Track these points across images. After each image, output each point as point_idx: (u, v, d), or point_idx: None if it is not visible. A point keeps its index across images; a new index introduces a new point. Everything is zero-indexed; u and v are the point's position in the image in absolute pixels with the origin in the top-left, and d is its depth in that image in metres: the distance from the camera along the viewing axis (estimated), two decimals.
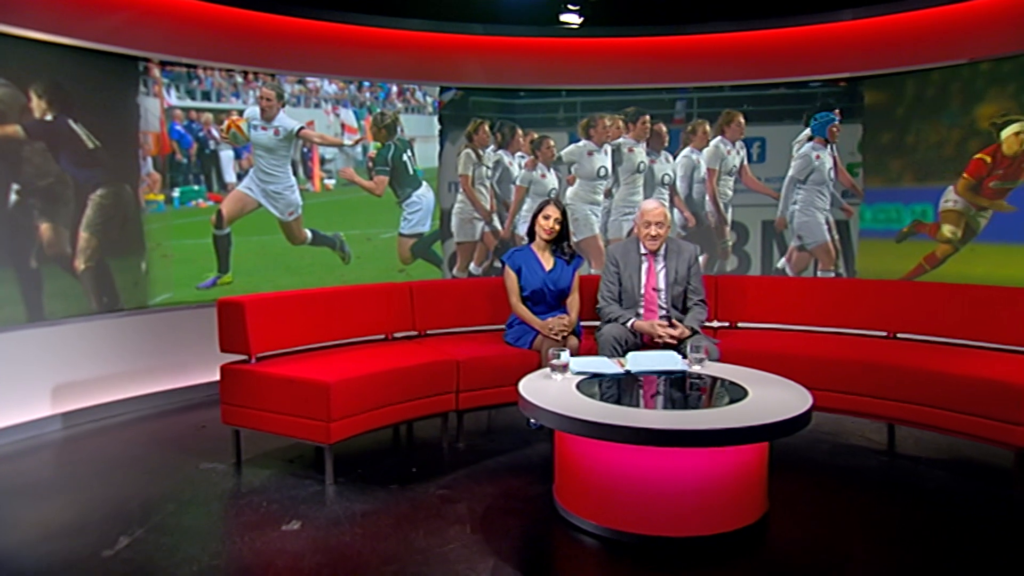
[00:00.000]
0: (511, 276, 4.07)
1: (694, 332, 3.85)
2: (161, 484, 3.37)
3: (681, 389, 3.21)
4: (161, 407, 4.72)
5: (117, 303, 4.67)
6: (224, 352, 3.74)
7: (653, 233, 3.93)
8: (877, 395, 3.61)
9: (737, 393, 2.97)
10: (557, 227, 4.03)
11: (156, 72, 4.80)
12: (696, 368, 3.33)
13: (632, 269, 4.02)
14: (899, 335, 4.13)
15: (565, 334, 3.90)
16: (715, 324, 4.55)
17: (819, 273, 5.70)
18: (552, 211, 4.03)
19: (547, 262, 4.09)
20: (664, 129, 5.96)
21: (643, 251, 4.03)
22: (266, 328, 3.69)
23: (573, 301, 4.11)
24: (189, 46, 4.88)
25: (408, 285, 4.37)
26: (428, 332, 4.35)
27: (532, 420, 3.63)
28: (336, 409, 3.29)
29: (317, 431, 3.32)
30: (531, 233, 4.14)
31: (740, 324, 4.54)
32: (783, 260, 5.84)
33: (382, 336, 4.23)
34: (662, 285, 3.99)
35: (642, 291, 3.99)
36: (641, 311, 4.00)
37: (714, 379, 3.24)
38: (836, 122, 5.59)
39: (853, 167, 5.58)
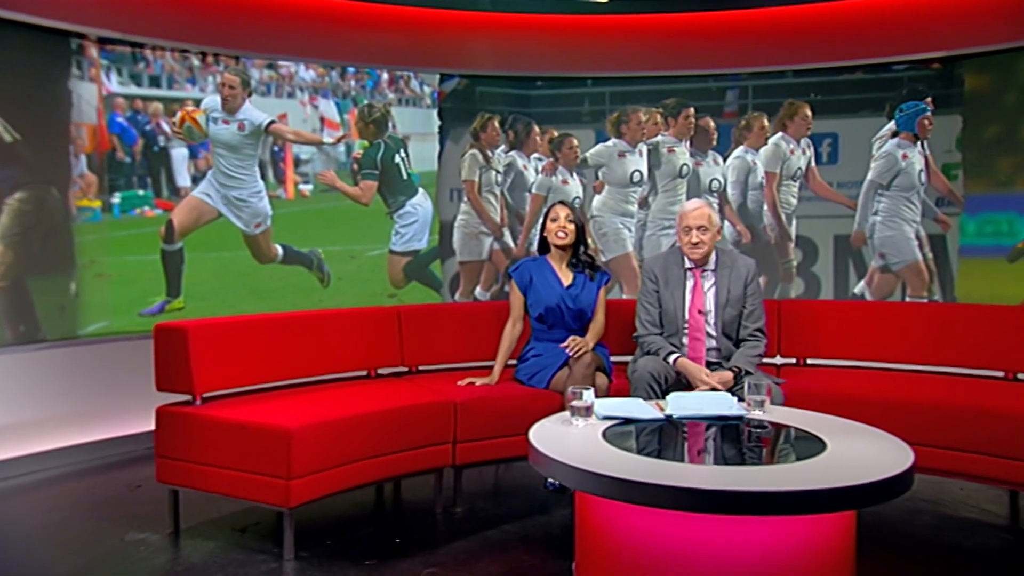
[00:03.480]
0: (516, 294, 4.09)
1: (746, 373, 3.73)
2: (72, 561, 3.24)
3: (738, 440, 3.12)
4: (89, 462, 4.64)
5: (37, 332, 4.62)
6: (162, 391, 3.66)
7: (694, 240, 3.85)
8: (994, 452, 3.45)
9: (812, 446, 2.85)
10: (570, 225, 4.01)
11: (93, 51, 4.80)
12: (756, 413, 3.22)
13: (675, 286, 3.95)
14: (1020, 376, 3.99)
15: (586, 357, 3.79)
16: (778, 360, 4.47)
17: (908, 299, 5.59)
18: (560, 210, 4.04)
19: (565, 277, 4.07)
20: (712, 125, 5.94)
21: (687, 264, 3.96)
22: (215, 361, 3.65)
23: (597, 324, 4.06)
24: (135, 20, 4.86)
25: (395, 309, 4.38)
26: (420, 368, 4.35)
27: (550, 480, 3.45)
28: (299, 463, 3.20)
29: (274, 491, 3.22)
30: (542, 245, 4.14)
31: (809, 360, 4.46)
32: (861, 284, 5.76)
33: (363, 372, 4.21)
34: (711, 306, 3.89)
35: (686, 315, 3.90)
36: (685, 340, 3.87)
37: (780, 427, 3.14)
38: (928, 113, 5.50)
39: (950, 168, 5.48)
